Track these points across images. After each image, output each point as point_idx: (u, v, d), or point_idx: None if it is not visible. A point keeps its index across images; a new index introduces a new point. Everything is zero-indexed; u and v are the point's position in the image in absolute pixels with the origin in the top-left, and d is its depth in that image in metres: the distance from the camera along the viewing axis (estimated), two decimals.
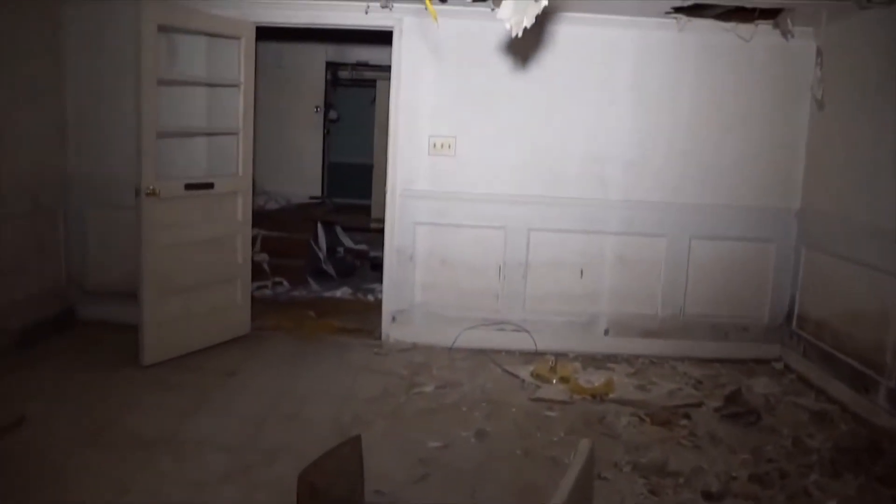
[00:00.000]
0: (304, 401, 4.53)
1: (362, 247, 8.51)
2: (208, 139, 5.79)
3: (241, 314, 5.65)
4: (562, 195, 5.61)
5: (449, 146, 5.55)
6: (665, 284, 5.70)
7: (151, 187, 4.76)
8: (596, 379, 5.09)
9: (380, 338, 5.76)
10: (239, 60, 5.30)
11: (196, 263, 5.20)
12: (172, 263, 5.01)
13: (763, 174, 5.63)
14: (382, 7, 5.30)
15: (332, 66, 9.07)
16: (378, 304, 6.04)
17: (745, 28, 5.36)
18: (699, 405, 4.75)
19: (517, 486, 3.65)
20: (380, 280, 5.95)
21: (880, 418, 4.42)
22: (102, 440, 3.87)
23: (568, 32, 5.45)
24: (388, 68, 5.71)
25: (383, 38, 5.66)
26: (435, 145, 5.55)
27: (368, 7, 5.33)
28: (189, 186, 5.10)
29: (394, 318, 5.73)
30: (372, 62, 8.90)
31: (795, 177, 5.61)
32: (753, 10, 5.07)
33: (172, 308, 5.05)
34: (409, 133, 5.56)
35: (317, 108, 8.75)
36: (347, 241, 8.48)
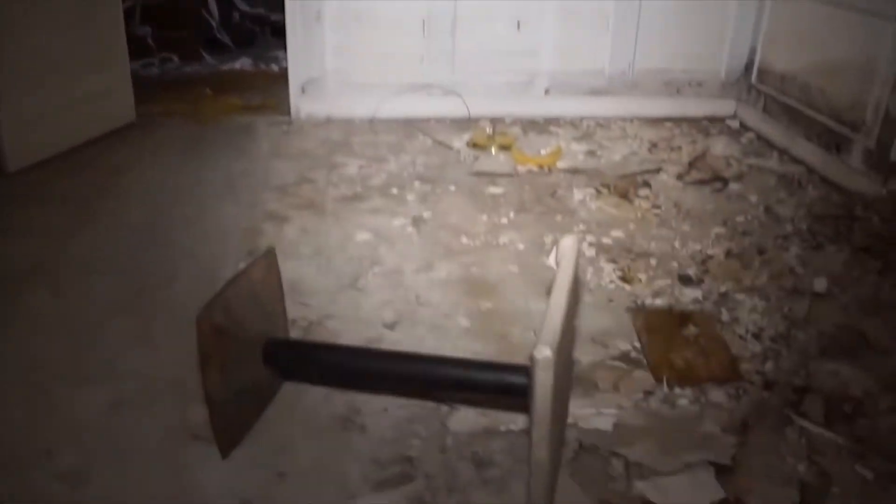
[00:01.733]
0: (205, 200, 3.81)
1: (260, 10, 7.47)
2: None
3: (122, 99, 4.78)
4: None
5: None
6: (613, 35, 5.00)
7: None
8: (540, 145, 4.51)
9: (289, 113, 5.02)
10: None
11: (60, 41, 4.23)
12: (29, 45, 4.04)
13: None
14: None
15: None
16: (284, 75, 5.20)
17: None
18: (658, 171, 4.26)
19: (468, 287, 3.08)
20: (284, 47, 5.10)
21: (852, 181, 4.01)
22: None
23: None
24: None
25: None
26: None
27: None
28: None
29: (303, 90, 4.96)
30: None
31: None
32: None
33: (37, 99, 4.14)
34: None
35: None
36: (242, 5, 7.42)
